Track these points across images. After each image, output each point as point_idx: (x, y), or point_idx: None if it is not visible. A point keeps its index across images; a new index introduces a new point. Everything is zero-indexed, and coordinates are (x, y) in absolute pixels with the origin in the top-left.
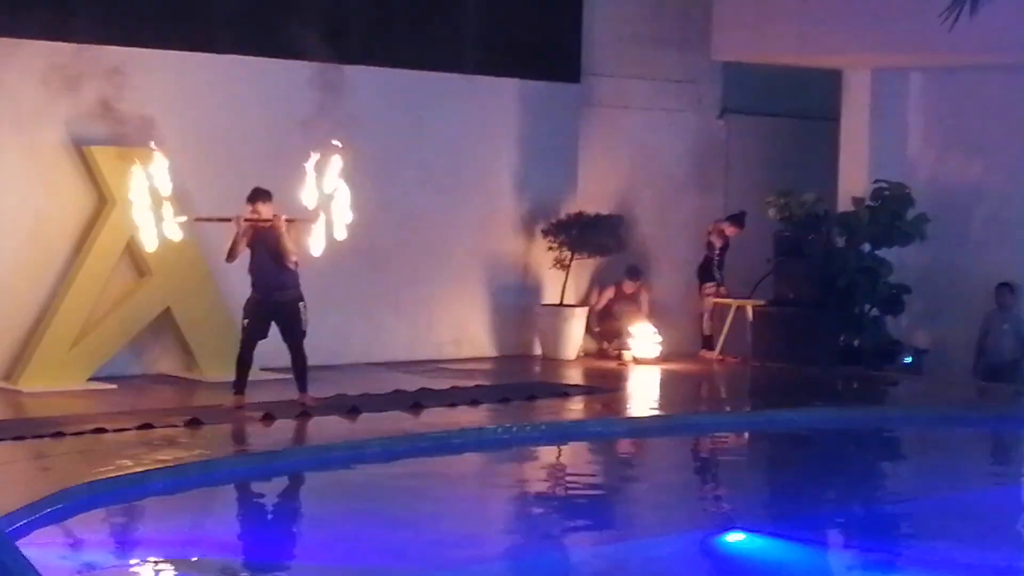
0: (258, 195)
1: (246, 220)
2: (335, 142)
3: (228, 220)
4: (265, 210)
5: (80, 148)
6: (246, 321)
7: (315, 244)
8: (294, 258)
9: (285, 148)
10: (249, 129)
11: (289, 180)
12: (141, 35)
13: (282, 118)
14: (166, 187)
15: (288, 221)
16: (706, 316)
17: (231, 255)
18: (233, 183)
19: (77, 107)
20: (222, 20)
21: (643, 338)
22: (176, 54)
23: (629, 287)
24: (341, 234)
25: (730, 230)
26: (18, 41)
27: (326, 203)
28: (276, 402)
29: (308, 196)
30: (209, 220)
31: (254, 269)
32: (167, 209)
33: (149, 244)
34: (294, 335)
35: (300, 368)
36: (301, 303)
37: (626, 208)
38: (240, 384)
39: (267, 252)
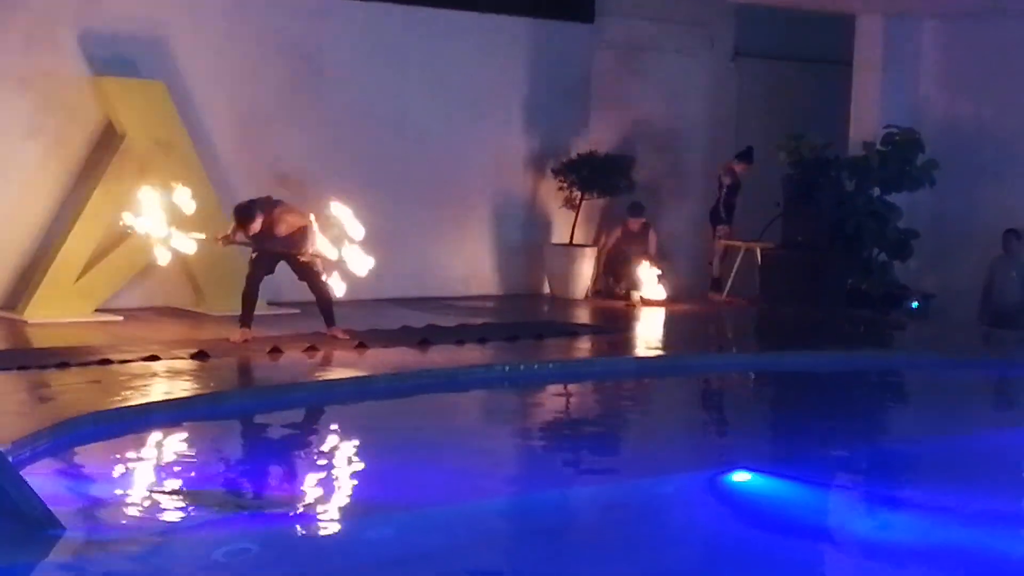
0: (243, 218)
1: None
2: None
3: (248, 244)
4: (254, 227)
5: (91, 78)
6: (255, 255)
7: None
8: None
9: (295, 81)
10: (261, 61)
11: (297, 112)
12: None
13: (293, 51)
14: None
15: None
16: (716, 258)
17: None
18: (243, 113)
19: (87, 36)
20: None
21: (650, 279)
22: None
23: (634, 224)
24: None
25: (739, 167)
26: None
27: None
28: (283, 336)
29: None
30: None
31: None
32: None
33: (162, 259)
34: (311, 278)
35: (325, 307)
36: (313, 253)
37: (637, 149)
38: (246, 318)
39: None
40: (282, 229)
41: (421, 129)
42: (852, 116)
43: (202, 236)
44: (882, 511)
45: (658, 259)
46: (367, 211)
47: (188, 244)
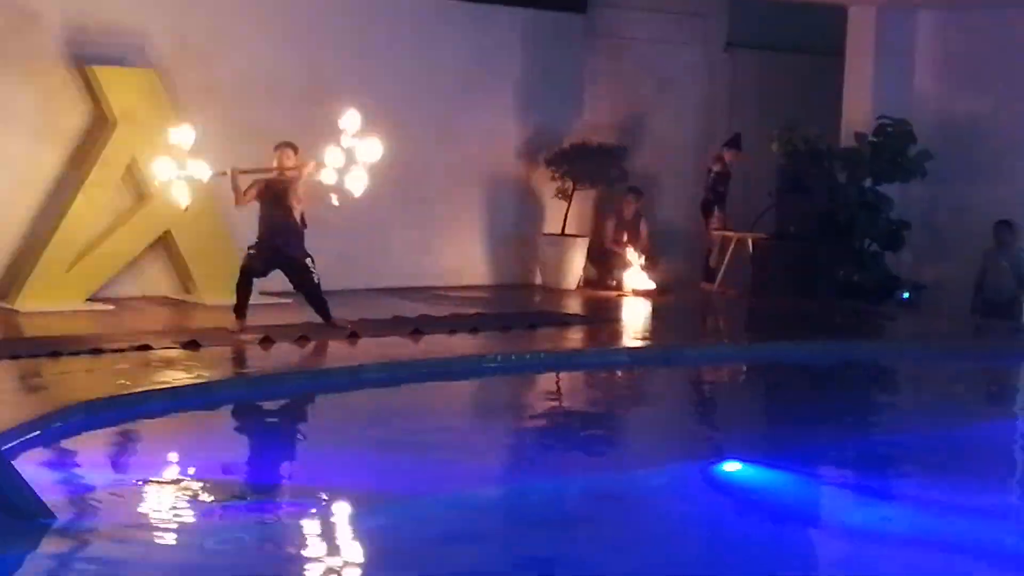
0: (282, 145)
1: (243, 172)
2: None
3: (269, 170)
4: (288, 161)
5: (80, 67)
6: (252, 251)
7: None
8: (299, 209)
9: (286, 68)
10: (251, 48)
11: (287, 100)
12: None
13: (284, 38)
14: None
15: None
16: (715, 248)
17: (237, 200)
18: (233, 100)
19: (75, 24)
20: None
21: (640, 269)
22: None
23: (629, 206)
24: (358, 189)
25: (728, 155)
26: None
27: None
28: (275, 325)
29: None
30: (246, 172)
31: (262, 221)
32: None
33: (183, 200)
34: (306, 286)
35: (320, 310)
36: (308, 259)
37: (629, 139)
38: (240, 308)
39: (275, 205)
40: (294, 194)
41: (413, 118)
42: (844, 107)
43: (224, 172)
44: (872, 501)
45: (650, 249)
46: (359, 200)
47: (203, 172)
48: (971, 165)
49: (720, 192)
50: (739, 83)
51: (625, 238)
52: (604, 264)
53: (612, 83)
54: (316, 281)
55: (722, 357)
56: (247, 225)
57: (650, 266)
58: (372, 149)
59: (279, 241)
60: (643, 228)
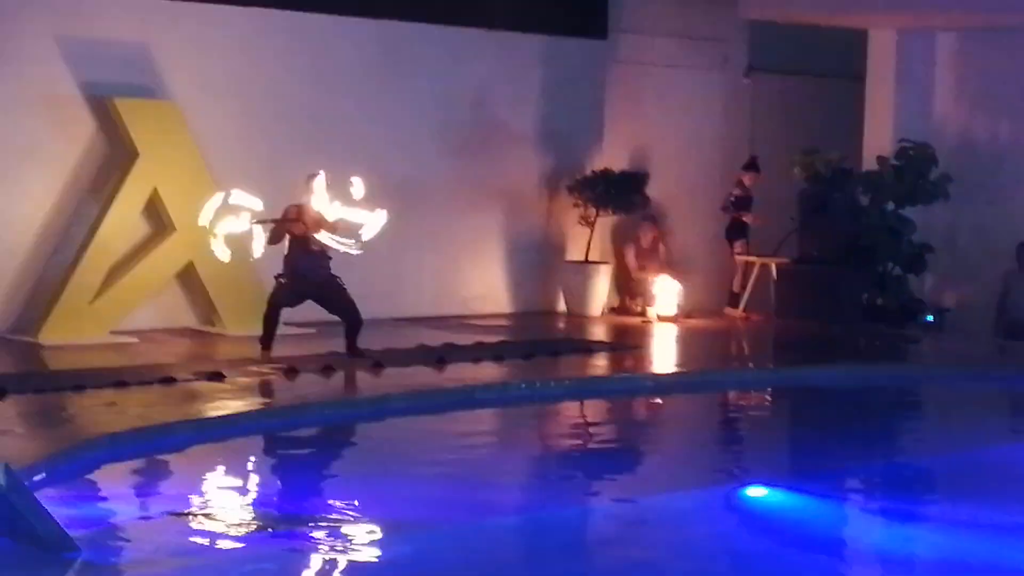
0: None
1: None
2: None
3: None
4: (309, 202)
5: (103, 99)
6: (283, 279)
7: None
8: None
9: (307, 98)
10: (272, 78)
11: (309, 130)
12: None
13: (305, 69)
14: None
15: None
16: (738, 273)
17: (271, 242)
18: (255, 139)
19: (98, 57)
20: None
21: (664, 293)
22: (198, 5)
23: (647, 234)
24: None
25: (747, 178)
26: None
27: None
28: (300, 356)
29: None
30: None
31: (292, 257)
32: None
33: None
34: (344, 303)
35: (354, 330)
36: (337, 278)
37: (651, 165)
38: (267, 339)
39: (305, 242)
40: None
41: (435, 146)
42: (866, 131)
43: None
44: (899, 525)
45: (671, 275)
46: (381, 230)
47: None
48: (992, 187)
49: (742, 217)
50: (760, 108)
51: (646, 264)
52: (628, 291)
53: (633, 109)
54: (350, 298)
55: (747, 382)
56: (269, 255)
57: (672, 292)
58: (376, 219)
59: (307, 269)
60: (662, 254)
